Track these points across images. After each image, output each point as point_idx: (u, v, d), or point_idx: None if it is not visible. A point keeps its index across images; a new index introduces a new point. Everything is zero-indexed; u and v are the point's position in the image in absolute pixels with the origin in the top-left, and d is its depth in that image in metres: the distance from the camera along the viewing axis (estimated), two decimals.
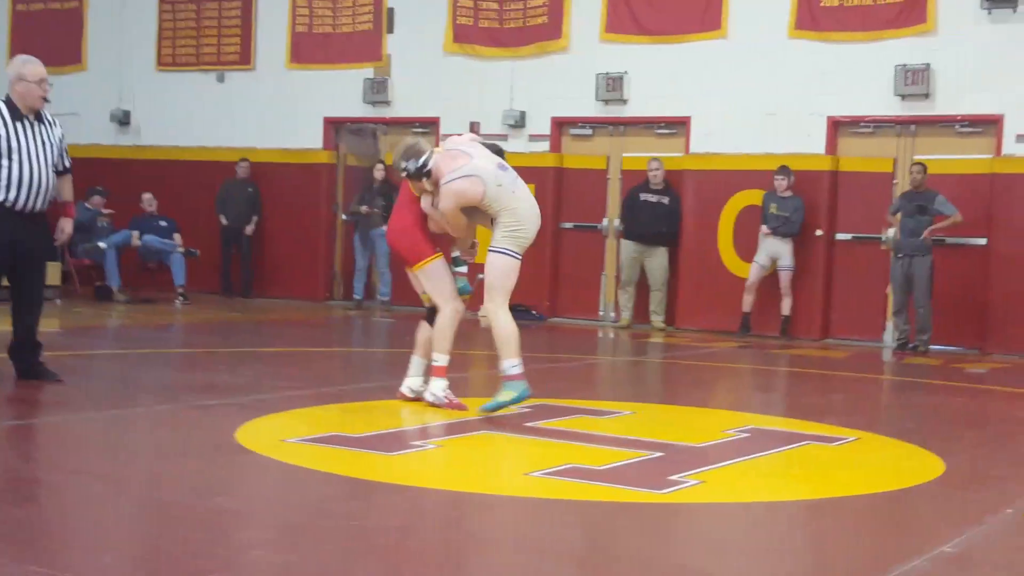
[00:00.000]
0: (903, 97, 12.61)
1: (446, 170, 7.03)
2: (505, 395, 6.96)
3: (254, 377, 8.62)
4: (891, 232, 12.48)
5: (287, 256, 15.90)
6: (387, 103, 15.33)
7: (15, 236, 7.24)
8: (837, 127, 13.13)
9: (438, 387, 7.26)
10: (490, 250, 7.11)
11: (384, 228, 14.70)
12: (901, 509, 5.31)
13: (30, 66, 7.29)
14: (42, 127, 7.36)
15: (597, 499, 5.18)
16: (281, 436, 6.29)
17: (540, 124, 14.52)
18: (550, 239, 14.52)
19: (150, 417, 6.91)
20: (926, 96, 12.50)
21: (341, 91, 15.46)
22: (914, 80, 12.49)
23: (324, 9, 15.67)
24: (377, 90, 15.27)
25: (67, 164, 7.60)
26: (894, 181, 12.95)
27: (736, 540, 4.82)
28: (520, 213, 7.12)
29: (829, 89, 12.97)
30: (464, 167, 7.02)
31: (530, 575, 4.11)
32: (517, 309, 14.27)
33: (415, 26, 15.09)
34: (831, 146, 13.12)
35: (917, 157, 12.65)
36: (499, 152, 7.45)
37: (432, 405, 7.24)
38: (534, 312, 14.52)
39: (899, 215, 12.32)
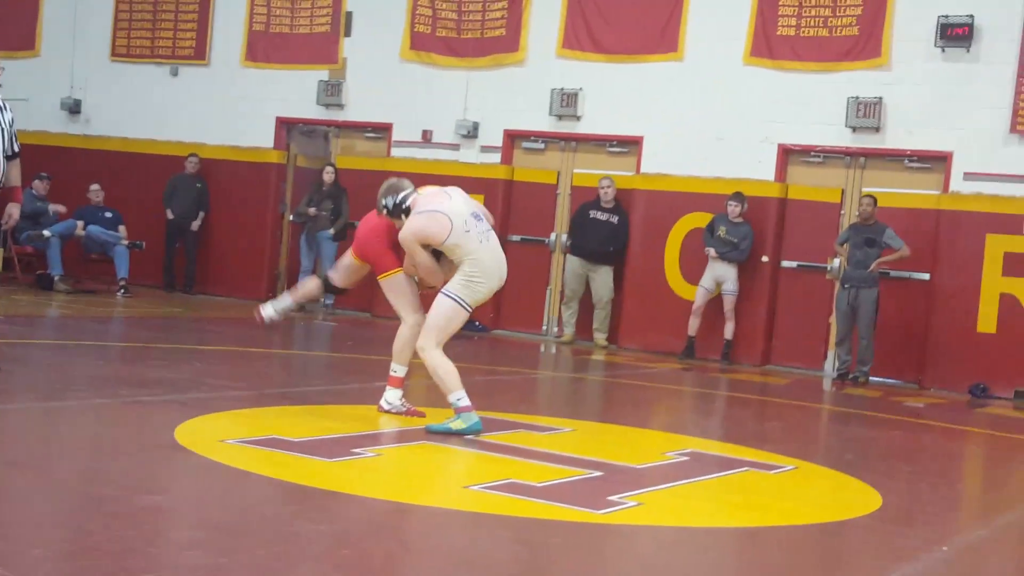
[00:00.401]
0: (854, 129, 12.75)
1: (419, 206, 7.05)
2: (457, 424, 6.88)
3: (194, 375, 8.50)
4: (836, 262, 12.60)
5: (232, 254, 15.73)
6: (340, 106, 15.24)
7: None
8: (787, 155, 13.24)
9: (393, 396, 7.31)
10: (442, 292, 7.04)
11: (331, 231, 14.75)
12: (838, 542, 5.33)
13: None
14: None
15: (535, 516, 5.15)
16: (220, 436, 6.22)
17: (493, 136, 14.51)
18: None
19: (87, 410, 6.80)
20: (877, 129, 12.64)
21: (294, 92, 15.35)
22: (866, 113, 12.63)
23: (282, 9, 15.54)
24: (331, 92, 15.18)
25: (16, 149, 7.51)
26: (841, 212, 13.07)
27: (673, 564, 4.81)
28: (484, 264, 7.06)
29: (781, 117, 13.08)
30: (436, 205, 7.01)
31: None
32: None
33: (373, 31, 15.03)
34: (780, 173, 13.22)
35: (866, 189, 12.78)
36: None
37: (386, 412, 7.25)
38: (477, 323, 14.47)
39: (846, 246, 12.44)
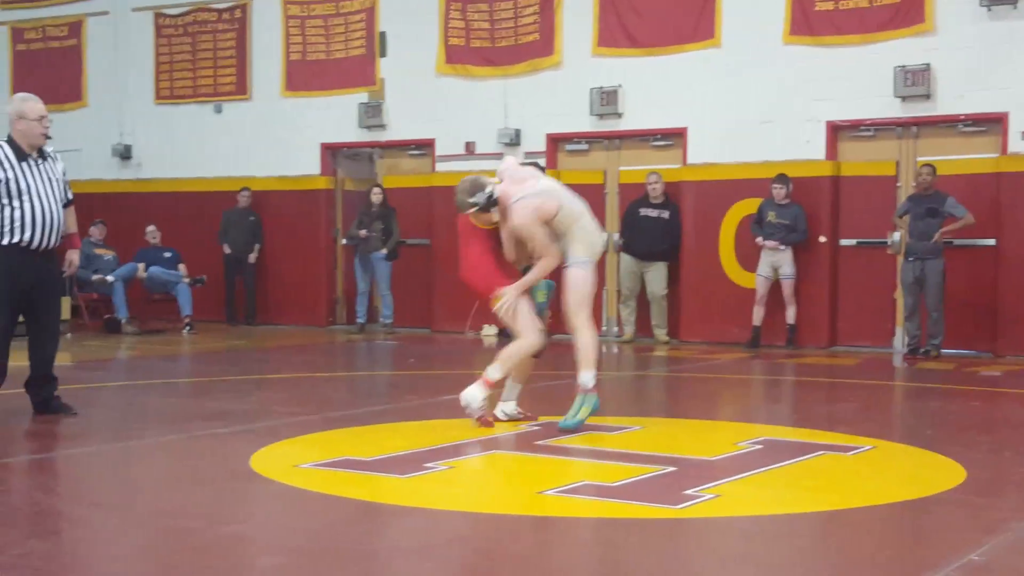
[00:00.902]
0: (903, 99, 12.54)
1: (513, 193, 7.10)
2: (583, 411, 7.06)
3: (263, 404, 8.57)
4: (897, 236, 12.39)
5: (290, 282, 15.84)
6: (382, 127, 15.29)
7: (32, 274, 7.27)
8: (837, 132, 13.06)
9: (479, 394, 7.20)
10: (568, 266, 7.18)
11: (384, 251, 14.77)
12: (923, 518, 5.20)
13: (30, 104, 7.30)
14: (46, 164, 7.36)
15: (612, 516, 5.09)
16: (294, 462, 6.23)
17: (535, 141, 14.47)
18: None
19: (162, 447, 6.85)
20: (927, 97, 12.43)
21: (336, 116, 15.44)
22: (914, 81, 12.42)
23: (317, 36, 15.64)
24: (372, 114, 15.24)
25: (70, 196, 7.59)
26: (897, 184, 12.87)
27: (755, 554, 4.72)
28: (588, 225, 7.27)
29: (827, 94, 12.90)
30: (534, 186, 7.14)
31: None
32: None
33: (407, 49, 15.07)
34: (831, 151, 13.04)
35: (920, 159, 12.57)
36: (541, 169, 7.59)
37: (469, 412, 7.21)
38: None
39: (906, 218, 12.23)
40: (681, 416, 8.42)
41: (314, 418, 7.71)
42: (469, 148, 14.83)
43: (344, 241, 15.56)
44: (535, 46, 14.37)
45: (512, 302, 7.26)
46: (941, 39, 12.36)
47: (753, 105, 13.20)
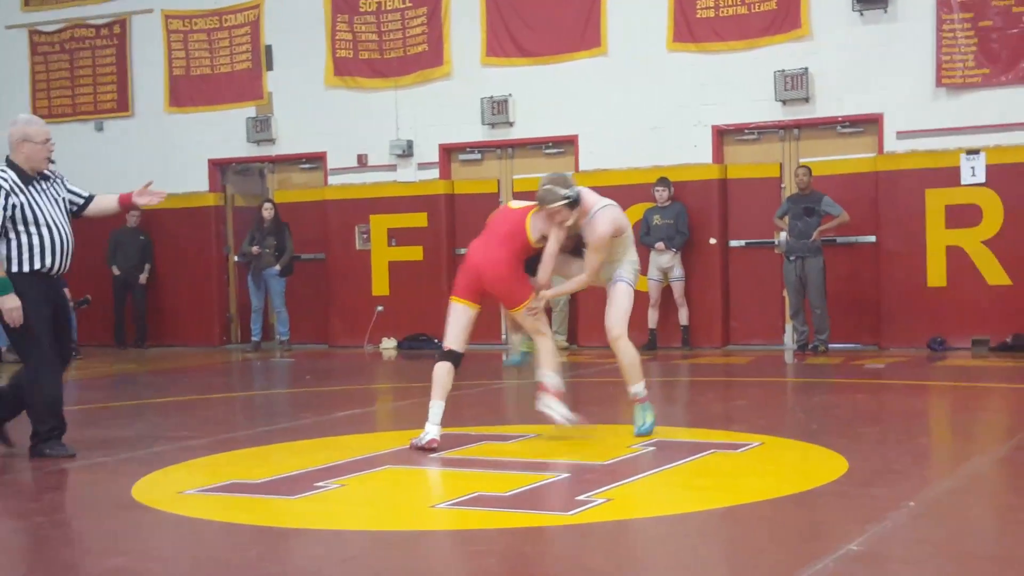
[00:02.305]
0: (784, 102, 12.81)
1: (595, 201, 7.07)
2: (650, 416, 7.23)
3: (150, 429, 8.39)
4: (783, 236, 12.65)
5: (181, 302, 15.61)
6: (271, 141, 15.17)
7: (53, 299, 7.17)
8: (722, 136, 13.29)
9: (556, 407, 7.20)
10: (621, 280, 7.25)
11: (277, 267, 14.63)
12: (807, 511, 5.32)
13: (35, 127, 7.13)
14: (49, 186, 7.16)
15: (505, 526, 5.10)
16: (177, 488, 6.11)
17: (428, 152, 14.48)
18: (447, 266, 14.46)
19: (42, 478, 6.67)
20: (806, 100, 12.72)
21: (224, 132, 15.27)
22: (793, 85, 12.70)
23: (200, 51, 15.45)
24: (260, 128, 15.10)
25: (87, 195, 7.37)
26: (782, 185, 13.14)
27: (645, 556, 4.78)
28: (634, 253, 7.33)
29: (712, 99, 13.13)
30: (604, 201, 7.10)
31: None
32: (419, 338, 14.35)
33: (295, 62, 14.97)
34: (718, 155, 13.27)
35: (802, 160, 12.85)
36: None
37: (552, 417, 7.18)
38: (436, 340, 14.42)
39: (787, 218, 12.49)
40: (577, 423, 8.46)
41: (202, 442, 7.57)
42: (361, 160, 14.77)
43: (236, 258, 15.38)
44: (425, 56, 14.38)
45: (541, 305, 7.29)
46: (818, 44, 12.67)
47: (641, 111, 13.38)
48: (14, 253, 6.94)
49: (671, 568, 4.54)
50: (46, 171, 7.15)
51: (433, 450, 6.82)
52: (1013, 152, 11.97)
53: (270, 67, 15.12)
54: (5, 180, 6.92)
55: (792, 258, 12.38)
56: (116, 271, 15.33)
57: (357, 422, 8.62)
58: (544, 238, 7.12)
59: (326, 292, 14.95)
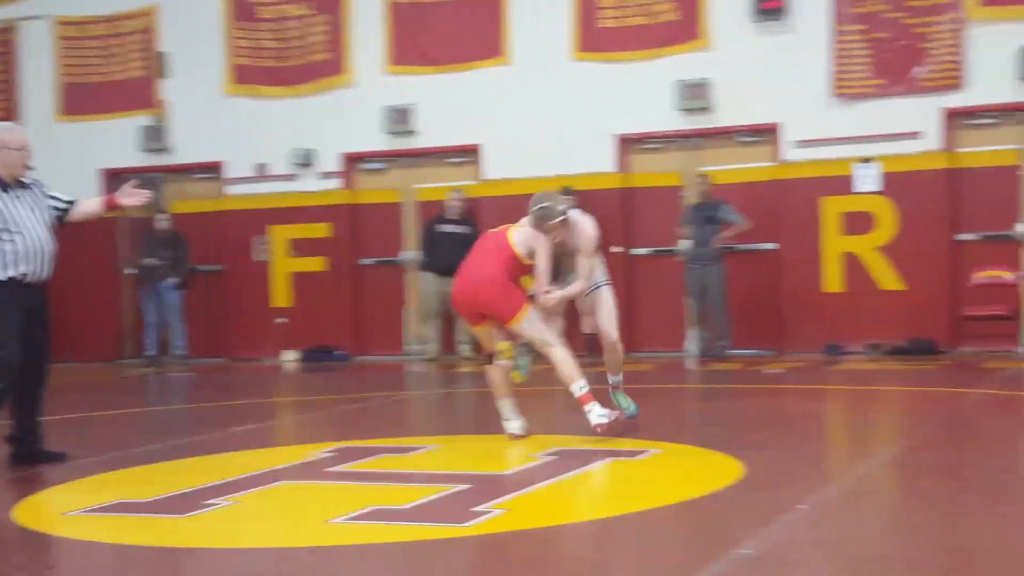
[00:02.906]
0: (685, 112, 12.93)
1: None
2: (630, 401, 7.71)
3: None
4: (685, 244, 12.76)
5: (73, 317, 15.16)
6: (166, 150, 14.89)
7: (28, 307, 7.09)
8: (626, 145, 13.37)
9: (597, 410, 7.16)
10: (602, 286, 7.71)
11: (173, 280, 14.34)
12: (703, 516, 5.33)
13: (12, 134, 7.10)
14: (27, 193, 7.08)
15: (400, 540, 5.03)
16: (61, 510, 5.92)
17: (330, 161, 14.34)
18: (350, 276, 14.34)
19: None
20: (706, 109, 12.85)
21: (116, 141, 14.94)
22: (694, 95, 12.83)
23: (93, 58, 15.13)
24: (154, 137, 14.82)
25: (68, 199, 7.33)
26: (683, 194, 13.25)
27: (541, 565, 4.75)
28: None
29: (615, 108, 13.21)
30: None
31: None
32: (321, 350, 14.20)
33: (192, 69, 14.73)
34: (622, 164, 13.34)
35: (703, 169, 12.98)
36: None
37: (603, 430, 7.10)
38: (339, 352, 14.29)
39: (690, 226, 12.60)
40: (482, 432, 8.40)
41: (90, 461, 7.33)
42: (261, 170, 14.58)
43: (130, 271, 15.03)
44: (326, 65, 14.24)
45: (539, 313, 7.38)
46: (717, 53, 12.82)
47: (545, 121, 13.41)
48: None
49: None
50: (23, 178, 7.09)
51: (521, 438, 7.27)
52: (906, 160, 12.23)
53: (166, 75, 14.86)
54: None
55: (693, 265, 12.49)
56: None
57: (253, 437, 8.46)
58: (531, 254, 7.31)
59: (224, 305, 14.71)
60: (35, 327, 7.17)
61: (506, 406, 7.49)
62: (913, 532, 4.92)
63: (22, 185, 7.09)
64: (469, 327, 7.70)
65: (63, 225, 7.31)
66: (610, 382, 7.85)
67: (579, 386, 7.25)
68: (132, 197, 7.31)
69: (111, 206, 7.44)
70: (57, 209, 7.25)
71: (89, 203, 7.46)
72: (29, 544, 5.31)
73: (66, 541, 5.31)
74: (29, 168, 7.15)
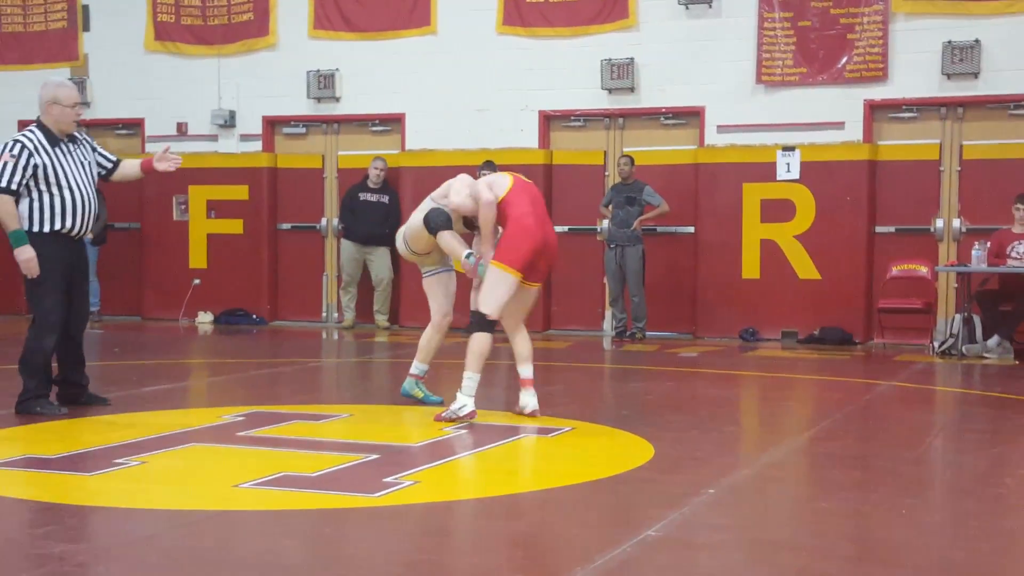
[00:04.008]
0: (610, 91, 12.97)
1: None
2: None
3: None
4: (606, 224, 12.81)
5: None
6: (85, 104, 14.55)
7: (70, 261, 7.27)
8: (549, 121, 13.37)
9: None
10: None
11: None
12: (610, 496, 5.38)
13: (65, 90, 7.27)
14: (76, 148, 7.28)
15: (308, 507, 5.01)
16: None
17: (251, 124, 14.15)
18: (267, 240, 14.19)
19: None
20: (632, 89, 12.89)
21: (35, 93, 14.50)
22: (619, 74, 12.86)
23: (13, 8, 14.75)
24: None
25: (114, 159, 7.56)
26: (606, 173, 13.30)
27: (447, 538, 4.76)
28: None
29: (539, 84, 13.19)
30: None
31: None
32: (236, 313, 14.05)
33: (113, 23, 14.43)
34: (544, 140, 13.34)
35: (626, 149, 13.03)
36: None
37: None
38: (255, 316, 14.16)
39: (611, 207, 12.66)
40: (393, 403, 8.38)
41: None
42: (181, 129, 14.34)
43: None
44: (250, 26, 14.04)
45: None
46: (644, 34, 12.85)
47: (469, 93, 13.35)
48: (35, 212, 7.09)
49: (470, 552, 4.53)
50: (74, 134, 7.28)
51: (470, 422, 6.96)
52: (826, 150, 12.39)
53: (87, 28, 14.53)
54: (30, 140, 7.09)
55: (612, 246, 12.56)
56: None
57: (165, 398, 8.36)
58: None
59: (140, 263, 14.48)
60: (77, 279, 7.38)
61: (475, 380, 7.10)
62: (819, 520, 5.01)
63: (72, 140, 7.28)
64: (514, 289, 7.17)
65: (105, 183, 7.59)
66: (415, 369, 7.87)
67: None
68: (166, 162, 7.50)
69: (146, 170, 7.64)
70: (102, 167, 7.46)
71: (130, 165, 7.65)
72: None
73: None
74: (79, 125, 7.37)
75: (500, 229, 7.29)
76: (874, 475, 5.92)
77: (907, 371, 10.30)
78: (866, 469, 6.08)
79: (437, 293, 7.87)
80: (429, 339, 7.85)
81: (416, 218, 7.62)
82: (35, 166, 7.05)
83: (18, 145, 7.08)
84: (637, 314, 12.59)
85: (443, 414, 7.05)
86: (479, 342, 7.12)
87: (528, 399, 7.22)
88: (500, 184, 7.30)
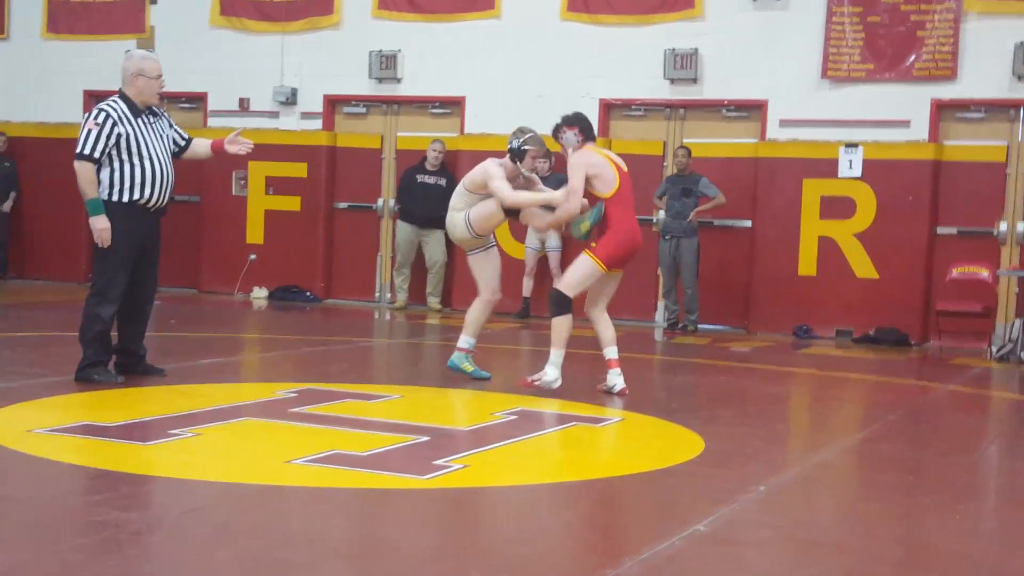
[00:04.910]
0: (672, 81, 12.89)
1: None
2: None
3: (2, 364, 8.10)
4: (661, 215, 12.76)
5: (48, 235, 15.11)
6: None
7: (145, 233, 7.33)
8: (609, 110, 13.32)
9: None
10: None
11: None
12: (659, 489, 5.36)
13: (150, 62, 7.33)
14: (156, 121, 7.37)
15: (358, 486, 5.05)
16: (27, 426, 5.90)
17: (313, 102, 14.22)
18: (324, 219, 14.28)
19: None
20: (694, 80, 12.80)
21: (102, 63, 14.68)
22: (683, 64, 12.77)
23: None
24: None
25: (187, 136, 7.67)
26: (664, 164, 13.23)
27: (494, 524, 4.78)
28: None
29: (601, 71, 13.13)
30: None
31: (289, 566, 3.93)
32: (291, 290, 14.15)
33: None
34: (603, 129, 13.28)
35: (686, 140, 12.95)
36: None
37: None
38: (308, 293, 14.26)
39: (665, 198, 12.60)
40: (444, 385, 8.42)
41: (59, 380, 7.34)
42: (243, 104, 14.44)
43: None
44: (314, 4, 14.09)
45: None
46: (709, 25, 12.75)
47: (530, 78, 13.32)
48: (116, 182, 7.15)
49: (518, 539, 4.53)
50: (155, 107, 7.36)
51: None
52: (889, 148, 12.24)
53: (154, 0, 14.66)
54: (114, 109, 7.16)
55: (667, 237, 12.50)
56: None
57: (220, 371, 8.45)
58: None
59: (198, 236, 14.62)
60: (149, 251, 7.41)
61: (561, 355, 7.76)
62: (868, 522, 4.97)
63: (153, 113, 7.37)
64: (599, 278, 7.91)
65: (175, 159, 7.62)
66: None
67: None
68: (237, 145, 7.61)
69: (216, 150, 7.70)
70: (176, 143, 7.55)
71: (201, 144, 7.73)
72: None
73: (27, 457, 5.30)
74: (162, 98, 7.48)
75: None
76: (926, 480, 5.86)
77: (963, 375, 10.17)
78: (918, 473, 6.03)
79: (486, 268, 8.21)
80: (478, 314, 8.18)
81: (459, 201, 8.03)
82: (118, 135, 7.12)
83: (103, 114, 7.15)
84: (690, 306, 12.53)
85: (534, 381, 7.70)
86: (563, 322, 7.77)
87: (615, 379, 7.73)
88: (608, 180, 7.74)
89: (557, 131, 8.04)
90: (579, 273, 7.78)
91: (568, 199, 7.71)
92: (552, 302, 7.79)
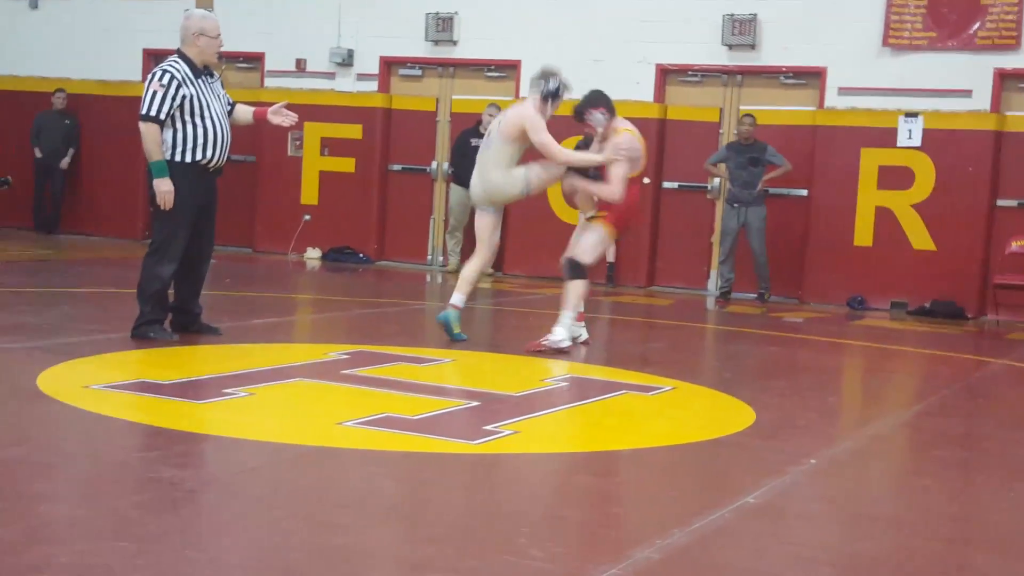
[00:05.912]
0: (730, 47, 12.75)
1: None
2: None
3: (62, 319, 8.22)
4: (717, 182, 12.65)
5: (105, 192, 15.29)
6: None
7: (204, 192, 7.39)
8: (665, 75, 13.20)
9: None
10: None
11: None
12: (709, 460, 5.35)
13: (210, 22, 7.38)
14: (214, 82, 7.41)
15: (408, 449, 5.08)
16: (85, 382, 6.01)
17: (369, 63, 14.22)
18: (378, 180, 14.32)
19: None
20: (752, 47, 12.66)
21: (161, 22, 14.73)
22: (741, 30, 12.63)
23: None
24: None
25: (231, 100, 7.68)
26: (720, 131, 13.12)
27: (543, 490, 4.79)
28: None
29: (658, 37, 13.02)
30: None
31: (339, 528, 3.97)
32: (344, 251, 14.22)
33: None
34: (659, 94, 13.19)
35: (743, 107, 12.83)
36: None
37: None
38: (361, 255, 14.32)
39: (722, 165, 12.50)
40: (495, 350, 8.46)
41: (115, 337, 7.44)
42: (300, 65, 14.48)
43: None
44: None
45: None
46: None
47: (587, 43, 13.23)
48: (179, 143, 7.21)
49: (566, 505, 4.55)
50: (212, 67, 7.41)
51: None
52: (950, 118, 12.05)
53: None
54: (178, 71, 7.19)
55: (735, 205, 12.39)
56: (38, 153, 14.97)
57: (273, 331, 8.53)
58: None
59: (254, 196, 14.72)
60: (207, 210, 7.46)
61: (571, 318, 7.95)
62: (921, 497, 4.93)
63: (210, 73, 7.41)
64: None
65: None
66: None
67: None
68: (280, 116, 7.70)
69: (259, 119, 7.80)
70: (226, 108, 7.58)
71: (244, 110, 7.77)
72: (47, 411, 5.38)
73: (84, 413, 5.38)
74: (221, 57, 7.51)
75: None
76: (981, 456, 5.80)
77: (1020, 350, 10.04)
78: (973, 449, 5.97)
79: (495, 233, 8.50)
80: (476, 274, 8.39)
81: (502, 155, 8.21)
82: (183, 97, 7.15)
83: (167, 75, 7.17)
84: (763, 274, 12.45)
85: (542, 342, 7.81)
86: (578, 286, 7.97)
87: (579, 330, 8.30)
88: (639, 163, 7.91)
89: (583, 114, 8.01)
90: (594, 240, 8.03)
91: (616, 188, 7.83)
92: (568, 268, 7.98)
